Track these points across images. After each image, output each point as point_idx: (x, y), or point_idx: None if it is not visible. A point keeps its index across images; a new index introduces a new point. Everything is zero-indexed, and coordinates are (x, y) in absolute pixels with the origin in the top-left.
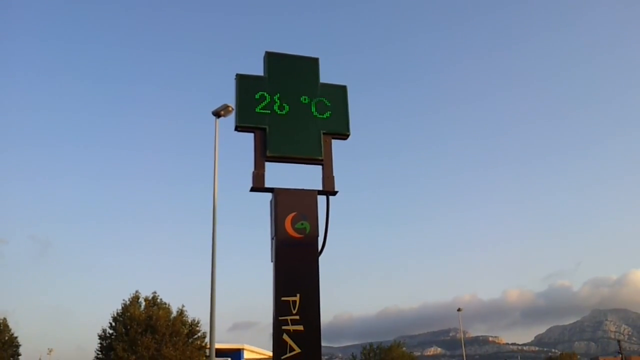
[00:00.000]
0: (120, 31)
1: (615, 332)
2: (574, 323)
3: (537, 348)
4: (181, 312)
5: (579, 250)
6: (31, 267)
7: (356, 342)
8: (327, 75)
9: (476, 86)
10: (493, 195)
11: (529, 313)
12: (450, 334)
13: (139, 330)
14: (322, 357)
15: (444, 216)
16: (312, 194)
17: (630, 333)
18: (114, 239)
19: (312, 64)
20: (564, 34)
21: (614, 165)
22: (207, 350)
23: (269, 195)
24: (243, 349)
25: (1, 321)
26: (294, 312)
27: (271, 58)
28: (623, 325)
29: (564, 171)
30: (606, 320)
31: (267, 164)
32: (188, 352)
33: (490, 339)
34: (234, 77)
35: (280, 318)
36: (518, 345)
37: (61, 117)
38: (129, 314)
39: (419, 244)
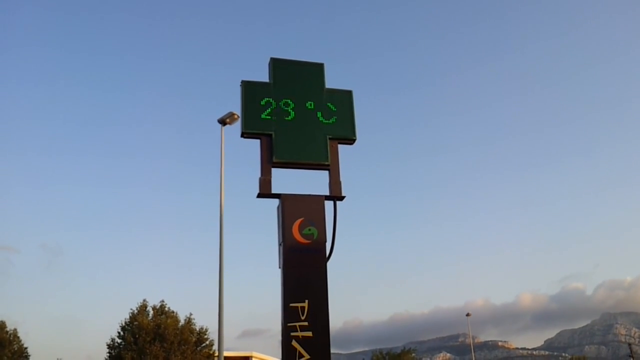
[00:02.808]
0: (126, 39)
1: (625, 335)
2: (584, 327)
3: (547, 352)
4: (189, 320)
5: (597, 252)
6: (42, 276)
7: (366, 349)
8: (333, 81)
9: (485, 91)
10: (510, 198)
11: (541, 317)
12: (460, 339)
13: (148, 339)
14: None
15: (458, 220)
16: (319, 200)
17: None
18: (122, 246)
19: (317, 69)
20: (568, 40)
21: (630, 166)
22: (216, 358)
23: (276, 202)
24: (252, 357)
25: (11, 331)
26: (303, 318)
27: (276, 64)
28: (634, 329)
29: (580, 173)
30: (616, 323)
31: (274, 170)
32: None
33: (500, 343)
34: (240, 83)
35: (288, 324)
36: (528, 349)
37: (69, 124)
38: (137, 323)
39: (431, 248)
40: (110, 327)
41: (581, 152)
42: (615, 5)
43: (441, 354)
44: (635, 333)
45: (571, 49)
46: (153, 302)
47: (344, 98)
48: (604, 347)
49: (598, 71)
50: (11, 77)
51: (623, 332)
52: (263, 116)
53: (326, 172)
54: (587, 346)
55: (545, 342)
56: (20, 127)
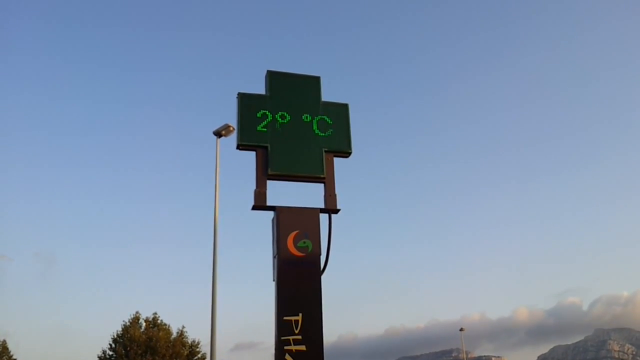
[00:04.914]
0: (120, 50)
1: (619, 351)
2: (577, 342)
3: None
4: (181, 333)
5: (595, 266)
6: (35, 286)
7: None
8: (329, 94)
9: (485, 102)
10: (509, 210)
11: (536, 332)
12: (453, 354)
13: (139, 352)
14: None
15: (456, 233)
16: (314, 212)
17: (634, 352)
18: (116, 257)
19: (313, 82)
20: (571, 47)
21: (631, 179)
22: None
23: (270, 214)
24: None
25: (0, 343)
26: (296, 331)
27: (273, 76)
28: (627, 345)
29: (580, 185)
30: (609, 339)
31: (269, 183)
32: None
33: (494, 358)
34: (236, 95)
35: (282, 338)
36: None
37: (64, 133)
38: (128, 335)
39: (429, 261)
40: (102, 338)
41: (581, 164)
42: (620, 11)
43: None
44: (628, 349)
45: (574, 57)
46: (146, 314)
47: (340, 111)
48: None
49: (600, 81)
50: (7, 83)
51: (616, 348)
52: (259, 128)
53: (321, 185)
54: None
55: (538, 357)
56: (14, 135)
